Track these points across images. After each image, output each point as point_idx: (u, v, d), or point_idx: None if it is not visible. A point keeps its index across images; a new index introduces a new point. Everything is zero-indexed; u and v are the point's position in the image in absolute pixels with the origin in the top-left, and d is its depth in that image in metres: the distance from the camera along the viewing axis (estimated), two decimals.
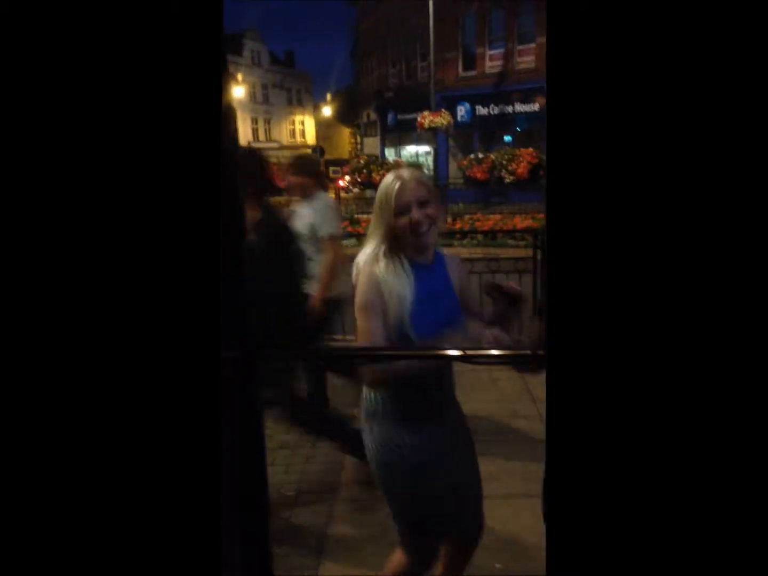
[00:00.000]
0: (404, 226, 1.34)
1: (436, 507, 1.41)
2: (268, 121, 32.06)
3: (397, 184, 1.35)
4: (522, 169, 12.81)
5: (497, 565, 1.91)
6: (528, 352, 0.93)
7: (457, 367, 1.61)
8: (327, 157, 22.68)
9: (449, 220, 3.34)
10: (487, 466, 1.56)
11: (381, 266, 1.37)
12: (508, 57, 15.97)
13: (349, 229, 6.80)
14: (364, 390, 1.43)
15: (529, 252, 4.04)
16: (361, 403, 1.45)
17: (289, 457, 2.70)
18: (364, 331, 1.37)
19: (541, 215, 4.52)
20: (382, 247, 1.39)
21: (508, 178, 13.53)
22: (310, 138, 34.66)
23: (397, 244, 1.38)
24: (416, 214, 1.34)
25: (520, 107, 15.90)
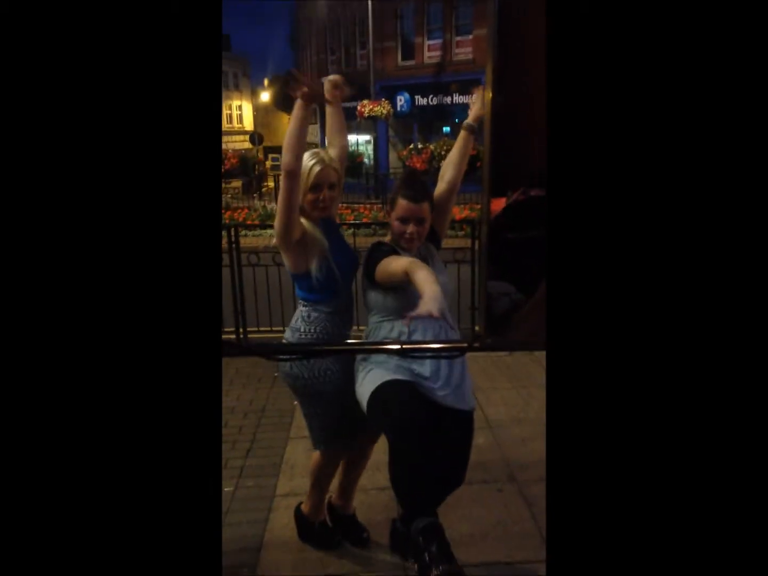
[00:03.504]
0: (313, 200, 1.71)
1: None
2: None
3: (318, 167, 1.69)
4: None
5: None
6: (465, 344, 0.95)
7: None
8: (266, 144, 22.20)
9: (388, 209, 3.31)
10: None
11: None
12: (446, 48, 16.10)
13: None
14: None
15: (468, 242, 4.11)
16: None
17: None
18: None
19: (479, 206, 4.62)
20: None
21: None
22: (248, 124, 33.78)
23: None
24: (327, 193, 1.71)
25: (458, 98, 16.08)
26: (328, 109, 1.90)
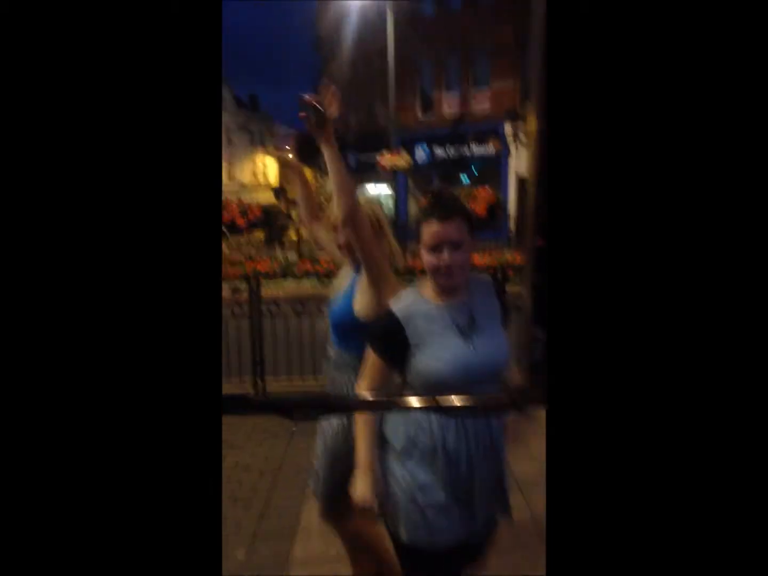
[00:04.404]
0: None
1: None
2: (229, 162, 32.05)
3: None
4: (480, 208, 13.09)
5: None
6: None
7: None
8: (290, 196, 22.81)
9: (409, 258, 3.33)
10: None
11: None
12: (464, 101, 16.53)
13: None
14: None
15: None
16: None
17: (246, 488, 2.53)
18: None
19: (499, 253, 4.58)
20: None
21: None
22: (273, 178, 34.87)
23: None
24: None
25: (476, 149, 16.38)
26: (326, 155, 1.42)
